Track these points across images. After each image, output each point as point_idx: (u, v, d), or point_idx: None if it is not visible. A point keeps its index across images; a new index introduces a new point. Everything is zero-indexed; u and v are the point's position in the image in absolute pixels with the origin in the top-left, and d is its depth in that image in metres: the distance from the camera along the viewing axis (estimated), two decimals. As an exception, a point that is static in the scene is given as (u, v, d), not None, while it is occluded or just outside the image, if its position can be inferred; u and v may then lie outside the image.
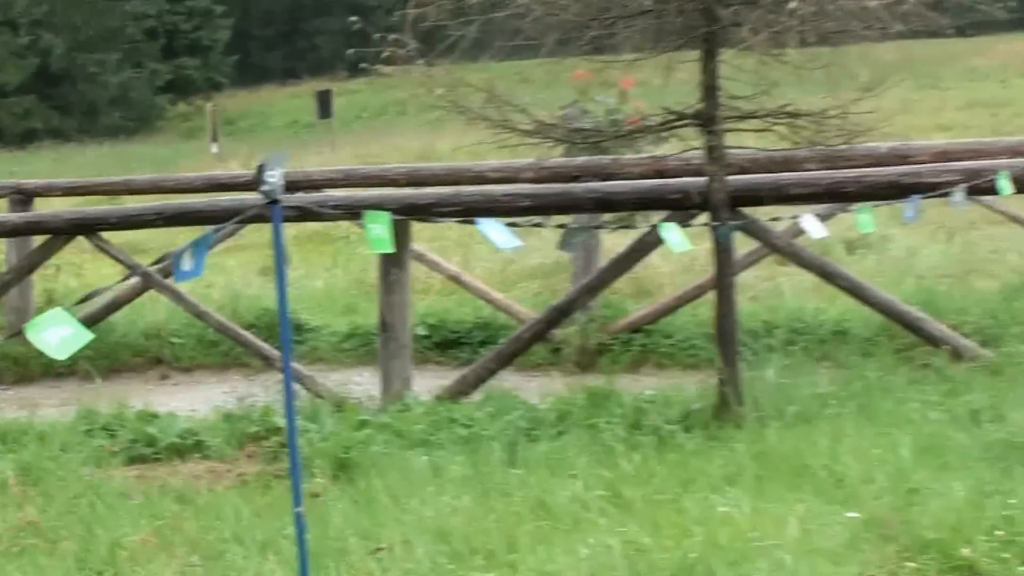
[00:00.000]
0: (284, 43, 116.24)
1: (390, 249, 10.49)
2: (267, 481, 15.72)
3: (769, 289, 24.54)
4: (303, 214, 18.93)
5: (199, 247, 7.41)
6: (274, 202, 6.92)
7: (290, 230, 24.73)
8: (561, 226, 20.17)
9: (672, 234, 17.03)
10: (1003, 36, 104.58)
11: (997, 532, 11.41)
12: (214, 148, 63.72)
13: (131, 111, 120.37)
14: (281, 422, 17.45)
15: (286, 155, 7.14)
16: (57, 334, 5.93)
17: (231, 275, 31.51)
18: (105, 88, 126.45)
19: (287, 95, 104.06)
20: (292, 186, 22.75)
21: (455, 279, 25.90)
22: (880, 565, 10.95)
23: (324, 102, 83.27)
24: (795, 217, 19.83)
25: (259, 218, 7.98)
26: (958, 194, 18.54)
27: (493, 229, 14.39)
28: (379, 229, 9.74)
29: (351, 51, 18.35)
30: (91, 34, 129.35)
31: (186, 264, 7.48)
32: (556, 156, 19.02)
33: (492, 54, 17.17)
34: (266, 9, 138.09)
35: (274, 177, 6.85)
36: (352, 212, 17.42)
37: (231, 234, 22.57)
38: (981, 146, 24.19)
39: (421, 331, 23.47)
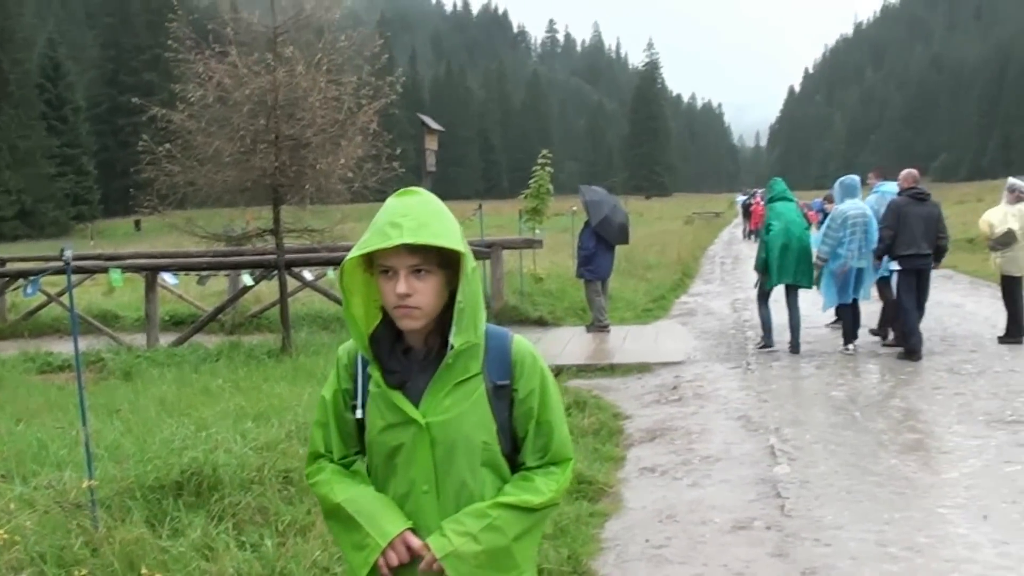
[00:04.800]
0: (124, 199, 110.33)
1: (119, 284, 10.52)
2: (98, 380, 15.40)
3: (308, 300, 23.90)
4: (77, 269, 17.85)
5: (35, 280, 7.67)
6: (67, 263, 7.23)
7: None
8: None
9: (246, 277, 17.40)
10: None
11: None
12: (91, 243, 63.01)
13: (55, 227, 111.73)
14: (107, 357, 17.34)
15: (70, 245, 7.46)
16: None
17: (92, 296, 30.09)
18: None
19: (127, 222, 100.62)
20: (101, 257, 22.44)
21: (180, 296, 25.33)
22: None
23: (137, 226, 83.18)
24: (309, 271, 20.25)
25: (61, 271, 8.19)
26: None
27: (167, 276, 14.58)
28: (115, 276, 9.70)
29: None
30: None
31: (29, 289, 7.76)
32: (221, 246, 18.86)
33: (193, 205, 17.11)
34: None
35: (67, 253, 7.17)
36: (103, 268, 17.36)
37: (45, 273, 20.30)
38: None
39: (165, 318, 22.94)
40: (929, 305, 17.04)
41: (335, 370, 3.44)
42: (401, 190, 3.24)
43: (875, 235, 16.44)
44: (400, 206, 3.13)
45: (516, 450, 3.34)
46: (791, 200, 17.19)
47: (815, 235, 17.81)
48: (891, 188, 17.48)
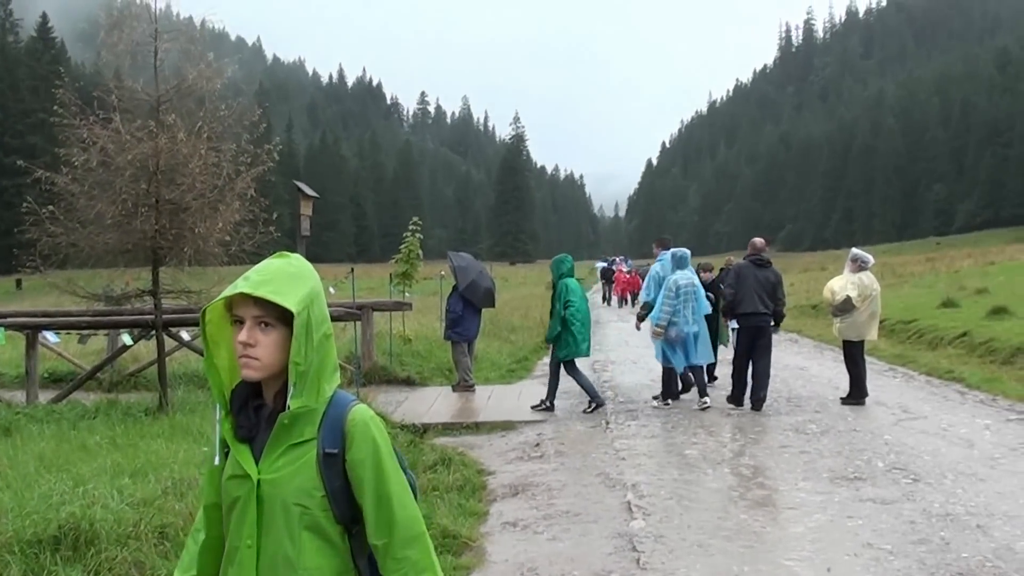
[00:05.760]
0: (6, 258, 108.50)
1: (2, 343, 10.33)
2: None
3: (184, 360, 23.64)
4: None
5: None
6: None
7: None
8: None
9: (126, 336, 17.15)
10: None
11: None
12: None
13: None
14: None
15: None
16: None
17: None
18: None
19: (9, 281, 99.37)
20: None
21: (60, 354, 24.81)
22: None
23: (19, 284, 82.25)
24: (187, 331, 19.97)
25: None
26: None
27: (49, 334, 14.41)
28: (-1, 335, 9.66)
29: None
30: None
31: None
32: (101, 306, 18.64)
33: (75, 265, 16.91)
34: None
35: None
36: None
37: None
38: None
39: (45, 375, 22.44)
40: (776, 368, 17.58)
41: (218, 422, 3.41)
42: (276, 254, 3.32)
43: (703, 301, 17.73)
44: (261, 264, 3.23)
45: (357, 520, 3.28)
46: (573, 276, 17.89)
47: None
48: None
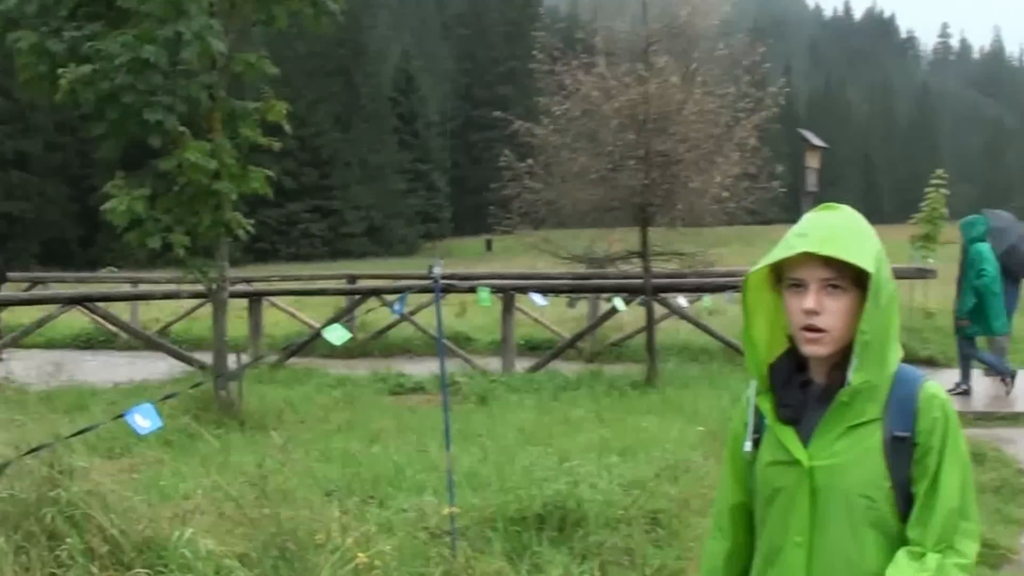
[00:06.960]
0: (474, 218, 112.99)
1: (488, 304, 10.90)
2: (452, 404, 15.75)
3: (672, 329, 24.02)
4: (446, 287, 18.29)
5: (403, 298, 8.16)
6: (435, 280, 7.73)
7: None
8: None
9: (619, 301, 17.53)
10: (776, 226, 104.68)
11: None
12: (441, 263, 64.79)
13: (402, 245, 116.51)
14: (462, 380, 17.64)
15: (439, 262, 8.05)
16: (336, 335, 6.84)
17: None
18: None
19: (476, 242, 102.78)
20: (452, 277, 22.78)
21: (537, 320, 25.79)
22: (712, 452, 10.28)
23: (488, 245, 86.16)
24: (684, 297, 20.29)
25: (428, 288, 8.66)
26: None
27: (537, 296, 15.17)
28: (484, 295, 10.19)
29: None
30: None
31: (396, 306, 8.28)
32: (582, 269, 19.20)
33: (551, 225, 17.38)
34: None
35: (436, 270, 7.70)
36: (471, 287, 17.67)
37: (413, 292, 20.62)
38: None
39: (521, 342, 23.41)
40: None
41: (742, 404, 3.32)
42: (821, 205, 3.15)
43: None
44: (813, 218, 3.06)
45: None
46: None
47: None
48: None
